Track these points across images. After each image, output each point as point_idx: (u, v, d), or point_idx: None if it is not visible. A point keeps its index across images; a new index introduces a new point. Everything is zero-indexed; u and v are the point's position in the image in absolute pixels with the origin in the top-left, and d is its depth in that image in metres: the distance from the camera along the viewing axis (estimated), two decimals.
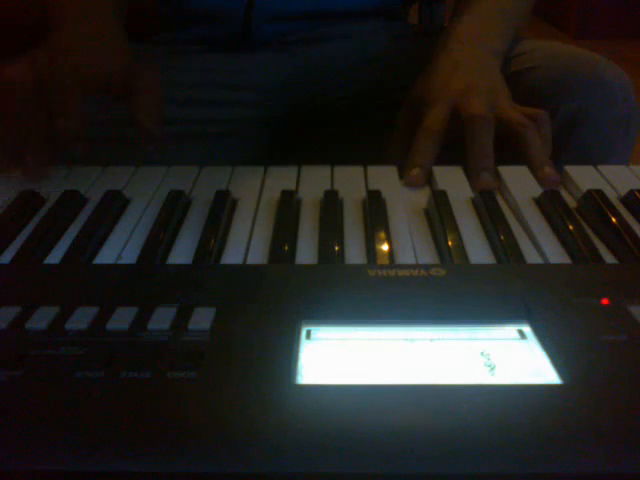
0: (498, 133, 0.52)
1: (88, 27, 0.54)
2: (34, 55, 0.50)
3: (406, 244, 0.41)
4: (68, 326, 0.31)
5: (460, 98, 0.54)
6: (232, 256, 0.40)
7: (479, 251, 0.40)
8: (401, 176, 0.51)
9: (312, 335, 0.32)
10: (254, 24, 0.73)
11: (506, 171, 0.50)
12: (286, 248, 0.40)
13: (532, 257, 0.39)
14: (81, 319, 0.32)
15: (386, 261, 0.39)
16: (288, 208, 0.44)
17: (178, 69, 0.71)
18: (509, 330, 0.33)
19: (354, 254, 0.40)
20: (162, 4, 0.73)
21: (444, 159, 0.53)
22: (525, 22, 0.68)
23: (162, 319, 0.32)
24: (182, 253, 0.40)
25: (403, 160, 0.56)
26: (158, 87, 0.54)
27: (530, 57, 0.64)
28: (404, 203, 0.46)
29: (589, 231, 0.42)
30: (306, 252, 0.40)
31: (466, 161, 0.51)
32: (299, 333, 0.32)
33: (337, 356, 0.31)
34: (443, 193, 0.46)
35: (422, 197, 0.47)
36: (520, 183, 0.48)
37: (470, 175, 0.50)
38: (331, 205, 0.45)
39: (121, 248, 0.40)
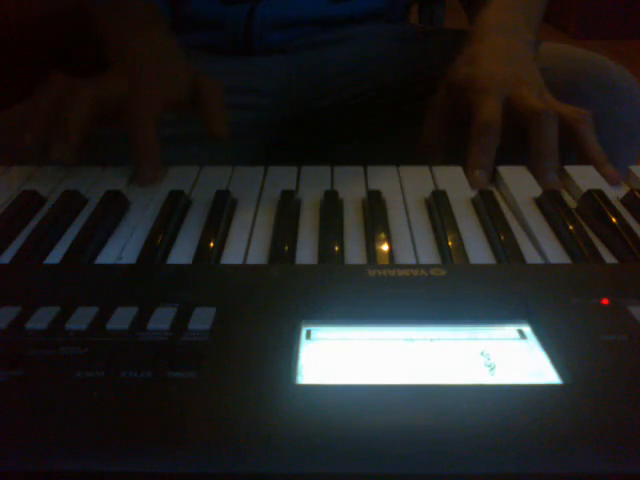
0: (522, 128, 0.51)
1: (151, 50, 0.55)
2: (103, 81, 0.51)
3: (406, 244, 0.41)
4: (68, 326, 0.31)
5: (511, 90, 0.53)
6: (232, 256, 0.40)
7: (479, 251, 0.40)
8: (424, 154, 0.51)
9: (312, 335, 0.32)
10: (255, 32, 0.72)
11: (506, 171, 0.50)
12: (286, 248, 0.40)
13: (532, 257, 0.39)
14: (81, 319, 0.32)
15: (386, 261, 0.39)
16: (288, 208, 0.44)
17: None
18: (509, 330, 0.33)
19: (354, 254, 0.40)
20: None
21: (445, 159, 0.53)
22: (541, 19, 0.67)
23: (162, 319, 0.32)
24: (182, 253, 0.40)
25: (437, 148, 0.55)
26: (223, 91, 0.54)
27: (538, 60, 0.64)
28: (404, 203, 0.46)
29: (589, 231, 0.42)
30: (306, 252, 0.40)
31: (530, 159, 0.50)
32: (299, 333, 0.32)
33: (337, 356, 0.31)
34: (443, 193, 0.46)
35: (422, 197, 0.47)
36: (520, 183, 0.48)
37: (536, 174, 0.49)
38: (331, 205, 0.45)
39: (121, 248, 0.40)
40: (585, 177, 0.49)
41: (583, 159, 0.51)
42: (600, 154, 0.50)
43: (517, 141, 0.52)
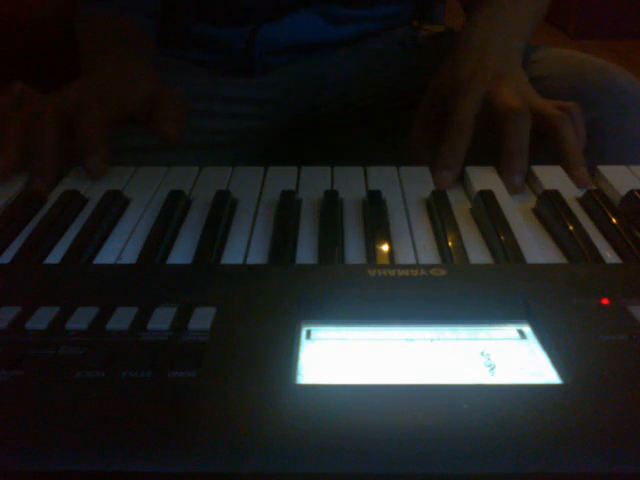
0: (532, 127, 0.50)
1: (116, 64, 0.58)
2: (67, 90, 0.53)
3: (406, 244, 0.41)
4: (68, 326, 0.31)
5: (490, 88, 0.52)
6: (232, 256, 0.40)
7: (479, 251, 0.40)
8: (414, 162, 0.51)
9: (312, 335, 0.32)
10: (256, 56, 0.72)
11: None
12: (286, 248, 0.40)
13: (532, 257, 0.39)
14: (81, 319, 0.32)
15: (386, 261, 0.39)
16: (288, 208, 0.44)
17: (180, 82, 0.71)
18: (509, 330, 0.33)
19: (354, 254, 0.40)
20: (162, 27, 0.73)
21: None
22: (539, 22, 0.67)
23: (162, 319, 0.32)
24: (182, 253, 0.40)
25: (426, 154, 0.55)
26: (182, 101, 0.55)
27: (542, 65, 0.63)
28: (404, 203, 0.46)
29: (589, 231, 0.42)
30: (306, 252, 0.40)
31: (499, 158, 0.49)
32: (299, 333, 0.32)
33: (337, 356, 0.31)
34: (443, 193, 0.46)
35: (422, 197, 0.47)
36: None
37: (502, 174, 0.49)
38: (331, 205, 0.45)
39: (121, 248, 0.40)
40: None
41: (559, 156, 0.50)
42: (574, 155, 0.49)
43: (493, 140, 0.51)
